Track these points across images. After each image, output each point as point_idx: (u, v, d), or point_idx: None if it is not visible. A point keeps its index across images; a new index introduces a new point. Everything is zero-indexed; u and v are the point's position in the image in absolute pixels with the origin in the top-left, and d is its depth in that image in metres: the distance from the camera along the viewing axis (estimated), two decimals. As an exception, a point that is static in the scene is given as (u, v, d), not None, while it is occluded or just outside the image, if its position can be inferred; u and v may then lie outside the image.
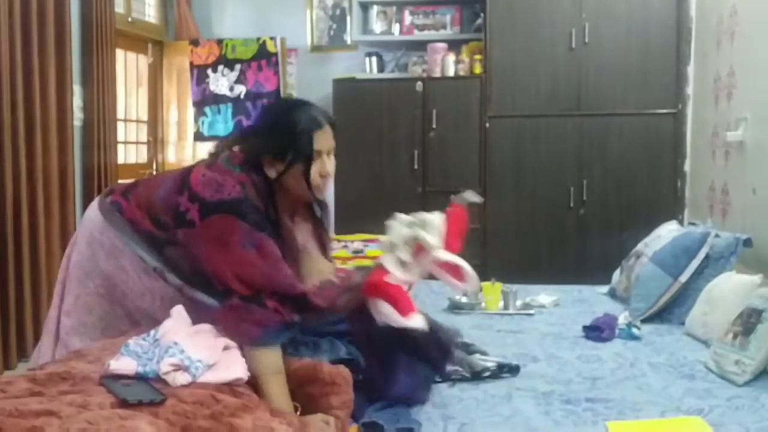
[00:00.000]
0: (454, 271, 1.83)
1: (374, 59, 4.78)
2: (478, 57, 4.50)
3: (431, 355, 1.95)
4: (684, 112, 4.26)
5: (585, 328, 2.66)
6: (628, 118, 4.30)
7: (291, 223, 1.88)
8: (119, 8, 4.43)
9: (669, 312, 2.85)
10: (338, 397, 1.64)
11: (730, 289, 2.52)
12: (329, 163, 1.83)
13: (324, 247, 2.02)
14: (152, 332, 1.58)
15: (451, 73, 4.55)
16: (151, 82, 5.00)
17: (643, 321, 2.79)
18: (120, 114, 4.42)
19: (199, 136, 4.95)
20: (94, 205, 1.96)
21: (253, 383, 1.58)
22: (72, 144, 3.75)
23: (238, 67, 4.84)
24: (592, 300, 3.28)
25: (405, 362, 1.87)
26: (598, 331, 2.61)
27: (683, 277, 2.83)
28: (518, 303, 3.04)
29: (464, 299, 3.07)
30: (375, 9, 4.87)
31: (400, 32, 4.80)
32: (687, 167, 4.29)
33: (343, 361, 1.83)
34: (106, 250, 1.88)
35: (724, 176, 3.57)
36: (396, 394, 1.84)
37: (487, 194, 4.44)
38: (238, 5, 5.20)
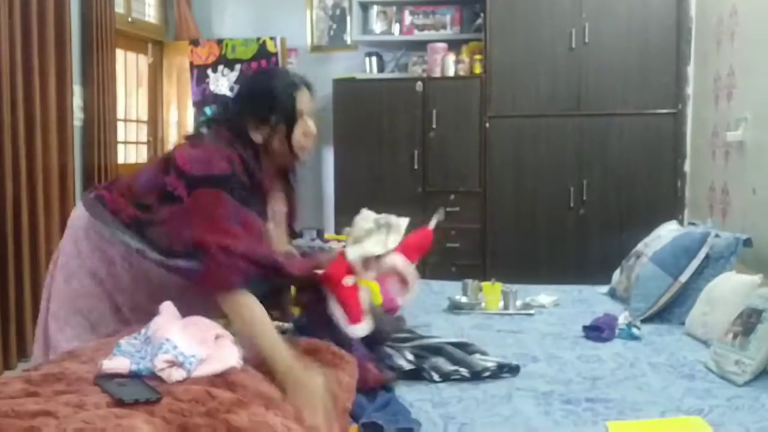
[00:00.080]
0: (401, 279, 1.91)
1: (374, 59, 4.77)
2: (478, 57, 4.50)
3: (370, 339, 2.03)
4: (684, 112, 4.26)
5: (585, 328, 2.66)
6: (628, 118, 4.30)
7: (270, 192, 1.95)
8: (119, 8, 4.43)
9: (669, 312, 2.85)
10: (342, 372, 1.69)
11: (730, 289, 2.52)
12: (311, 124, 1.91)
13: (293, 217, 2.10)
14: (143, 330, 1.58)
15: (451, 73, 4.55)
16: (151, 82, 5.00)
17: (643, 321, 2.79)
18: (120, 114, 4.42)
19: (199, 136, 4.95)
20: (79, 204, 2.00)
21: (245, 368, 1.57)
22: (72, 144, 3.76)
23: (238, 67, 4.84)
24: (592, 300, 3.27)
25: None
26: (598, 331, 2.60)
27: (683, 277, 2.83)
28: (518, 303, 3.04)
29: (464, 299, 3.07)
30: (375, 9, 4.86)
31: (400, 32, 4.80)
32: (687, 167, 4.28)
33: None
34: (93, 244, 1.90)
35: (724, 176, 3.57)
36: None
37: (487, 194, 4.45)
38: (238, 5, 5.20)
